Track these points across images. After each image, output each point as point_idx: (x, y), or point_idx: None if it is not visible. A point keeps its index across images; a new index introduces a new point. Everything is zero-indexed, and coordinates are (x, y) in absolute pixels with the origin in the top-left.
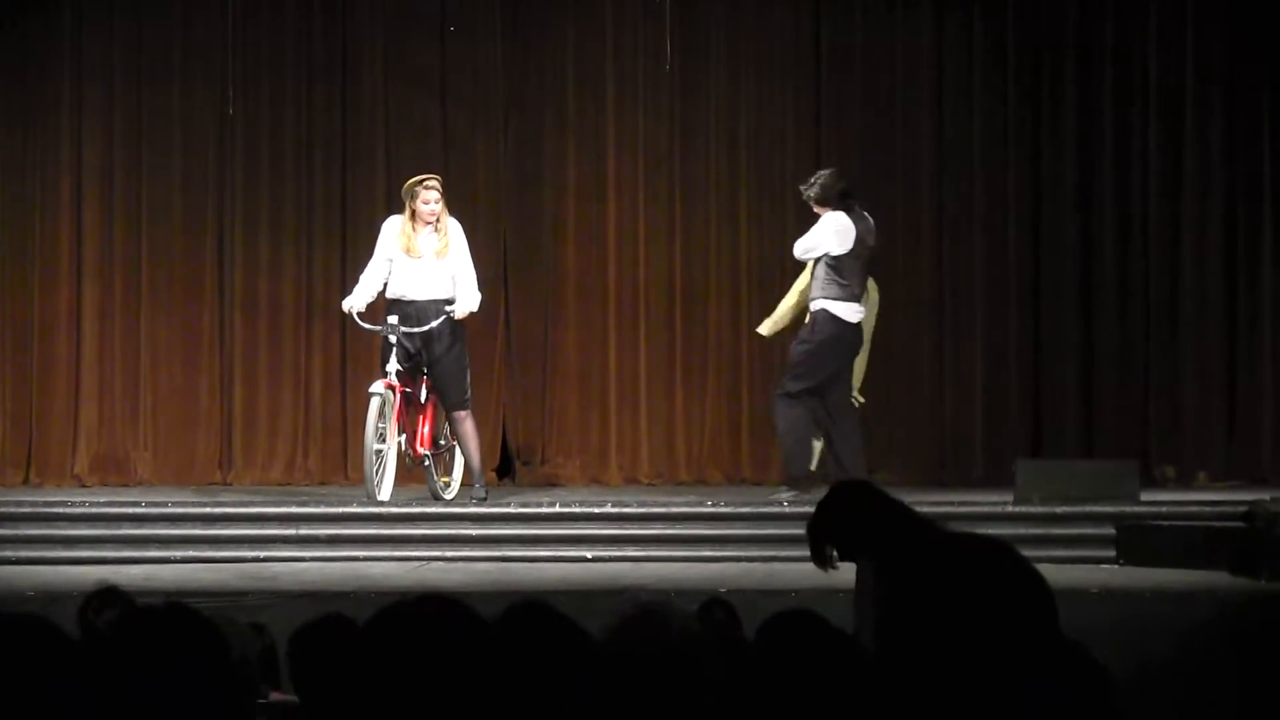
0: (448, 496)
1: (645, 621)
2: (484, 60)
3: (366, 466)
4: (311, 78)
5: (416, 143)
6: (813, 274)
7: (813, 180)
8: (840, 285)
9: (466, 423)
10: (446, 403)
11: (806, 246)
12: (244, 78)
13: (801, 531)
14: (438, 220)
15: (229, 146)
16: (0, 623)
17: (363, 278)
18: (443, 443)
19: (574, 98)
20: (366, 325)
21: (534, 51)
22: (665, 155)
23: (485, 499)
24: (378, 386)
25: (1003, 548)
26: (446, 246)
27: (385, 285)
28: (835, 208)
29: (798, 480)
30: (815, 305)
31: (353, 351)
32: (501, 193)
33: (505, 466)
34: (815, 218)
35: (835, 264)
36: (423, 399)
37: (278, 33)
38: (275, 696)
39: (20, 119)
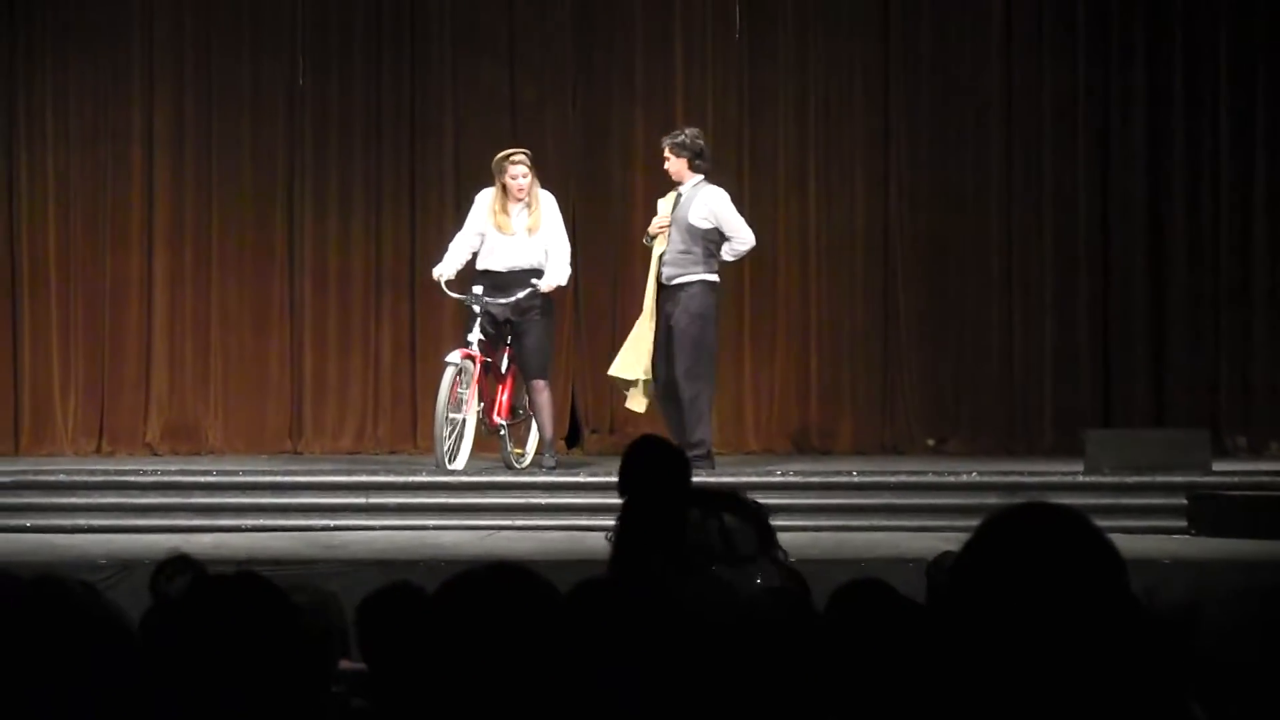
0: (519, 467)
1: (715, 591)
2: (552, 28)
3: (436, 435)
4: (380, 46)
5: (484, 112)
6: (697, 246)
7: (693, 135)
8: (714, 257)
9: (544, 393)
10: (527, 372)
11: (746, 227)
12: (313, 47)
13: (870, 501)
14: (528, 195)
15: (298, 115)
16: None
17: (452, 246)
18: (520, 413)
19: (642, 66)
20: (453, 294)
21: (602, 19)
22: (734, 124)
23: (555, 468)
24: (454, 356)
25: (1075, 516)
26: (538, 222)
27: (474, 256)
28: (700, 170)
29: (708, 445)
30: (697, 277)
31: (422, 320)
32: (570, 161)
33: (574, 435)
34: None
35: (715, 236)
36: (503, 369)
37: (347, 2)
38: (344, 664)
39: (91, 88)
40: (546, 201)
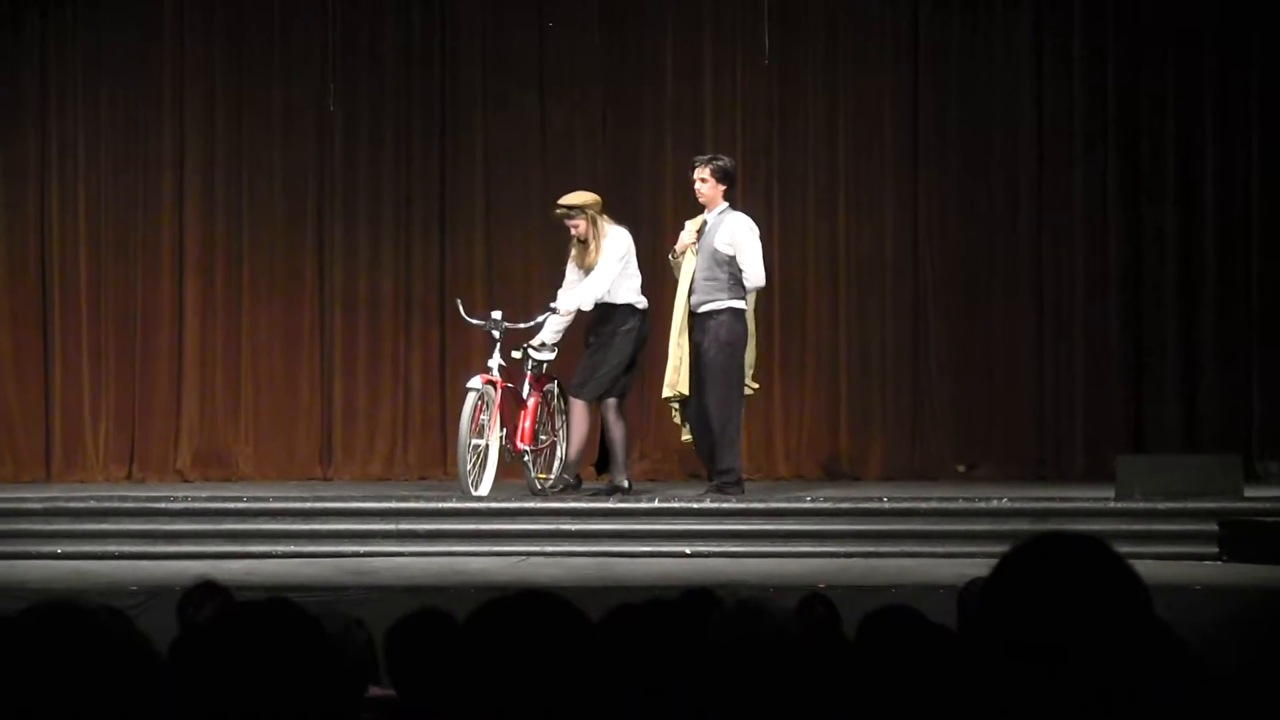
0: (546, 492)
1: (745, 618)
2: (582, 53)
3: (460, 462)
4: (410, 73)
5: (514, 136)
6: (722, 273)
7: (730, 161)
8: (740, 285)
9: (574, 411)
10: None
11: (760, 267)
12: (343, 73)
13: (900, 527)
14: (585, 236)
15: (329, 141)
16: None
17: None
18: (543, 439)
19: (672, 90)
20: (471, 319)
21: (632, 44)
22: (763, 147)
23: (565, 490)
24: (475, 382)
25: (1095, 543)
26: (592, 260)
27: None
28: (729, 197)
29: (737, 472)
30: (725, 304)
31: (451, 345)
32: (599, 185)
33: (604, 462)
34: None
35: (739, 264)
36: (525, 394)
37: (377, 28)
38: (373, 691)
39: (123, 115)
40: (609, 239)
